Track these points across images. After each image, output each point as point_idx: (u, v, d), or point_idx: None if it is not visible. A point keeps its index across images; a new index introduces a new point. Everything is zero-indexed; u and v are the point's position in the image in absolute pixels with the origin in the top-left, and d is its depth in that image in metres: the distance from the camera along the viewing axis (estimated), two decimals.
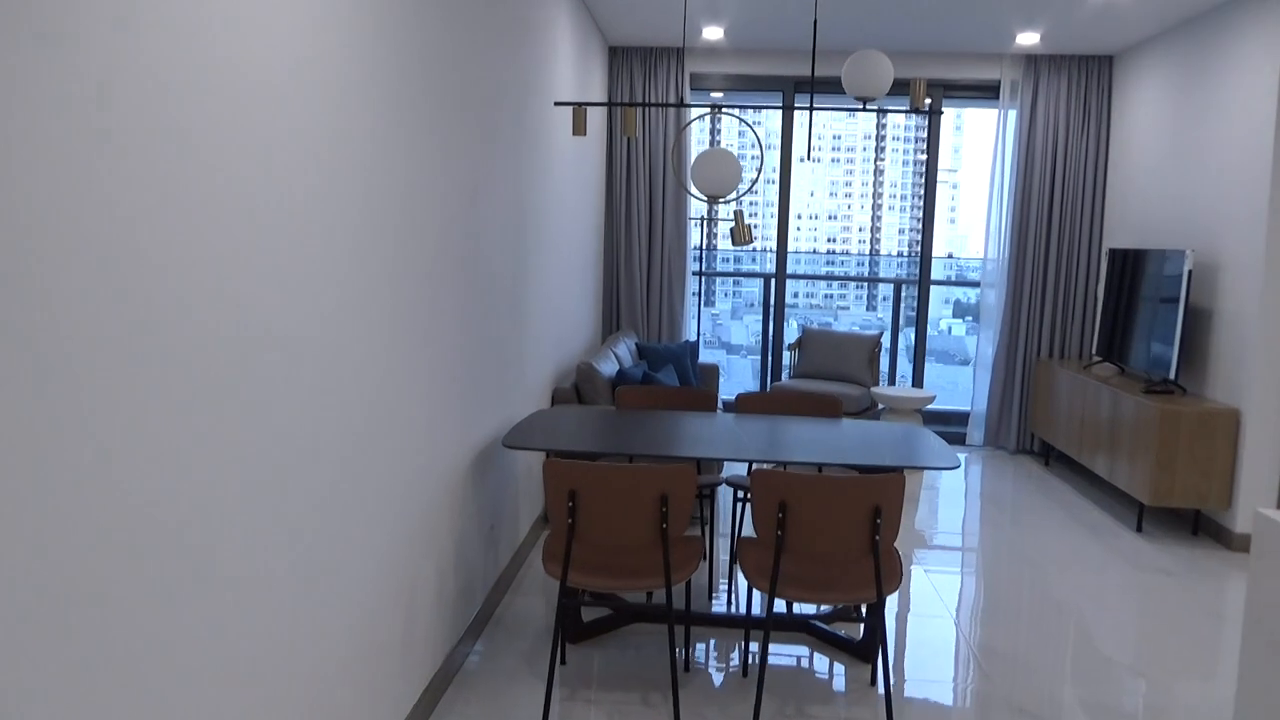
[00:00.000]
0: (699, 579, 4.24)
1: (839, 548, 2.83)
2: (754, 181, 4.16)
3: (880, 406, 6.62)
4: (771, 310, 7.42)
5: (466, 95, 3.20)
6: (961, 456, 6.84)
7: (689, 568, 2.97)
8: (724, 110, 4.03)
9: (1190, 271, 5.06)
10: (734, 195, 3.98)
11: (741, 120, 4.10)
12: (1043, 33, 6.08)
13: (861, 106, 4.05)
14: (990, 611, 4.02)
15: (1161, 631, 3.86)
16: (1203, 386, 5.30)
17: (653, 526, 2.85)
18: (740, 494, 4.36)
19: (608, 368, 4.99)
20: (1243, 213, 4.98)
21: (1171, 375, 5.15)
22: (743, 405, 4.18)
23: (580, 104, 3.86)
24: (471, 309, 3.36)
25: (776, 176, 7.20)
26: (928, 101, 7.01)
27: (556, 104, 3.96)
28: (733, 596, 4.08)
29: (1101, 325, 6.21)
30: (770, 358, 7.48)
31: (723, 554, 4.61)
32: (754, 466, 3.93)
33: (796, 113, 7.15)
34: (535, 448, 3.22)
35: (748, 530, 4.74)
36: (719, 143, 8.81)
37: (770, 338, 7.45)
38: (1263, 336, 4.79)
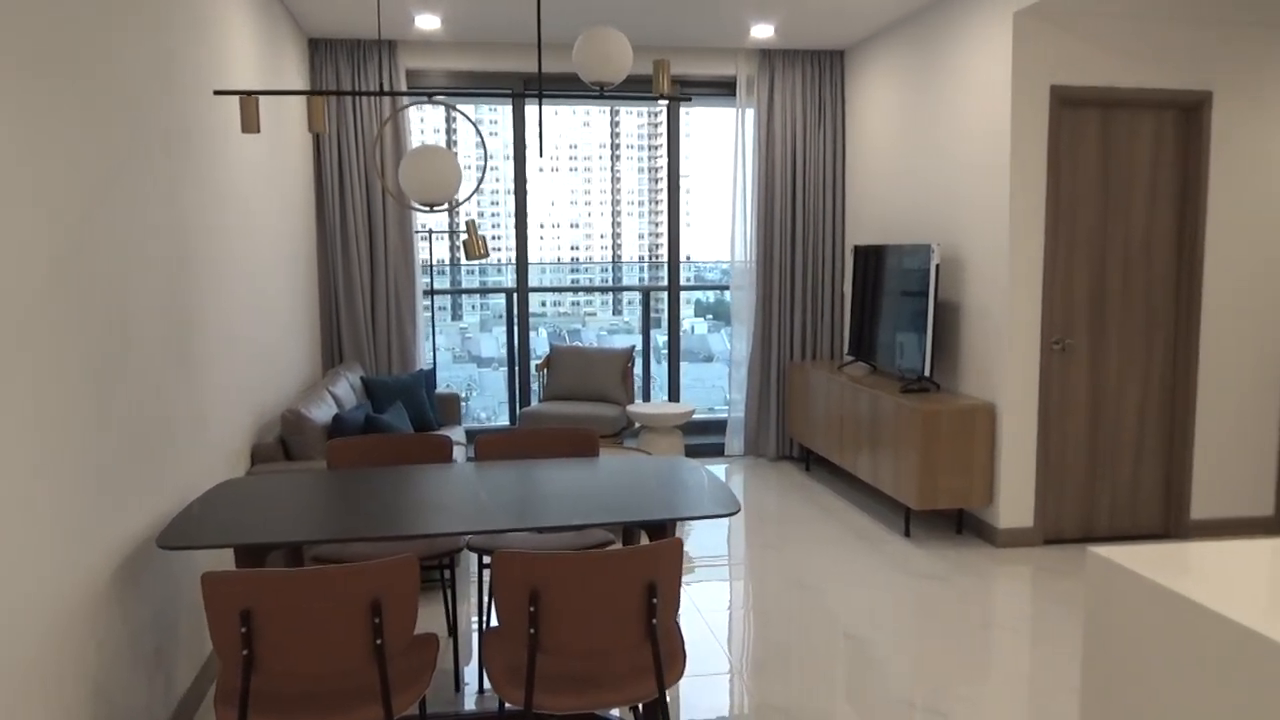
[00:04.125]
0: (442, 663, 3.55)
1: (608, 640, 2.25)
2: (479, 183, 3.52)
3: (638, 425, 6.18)
4: (515, 326, 6.80)
5: (76, 90, 2.34)
6: (723, 468, 6.54)
7: (418, 685, 2.29)
8: (435, 101, 3.36)
9: (937, 266, 4.95)
10: (455, 201, 3.32)
11: (459, 112, 3.45)
12: (777, 26, 5.87)
13: (599, 92, 3.51)
14: (770, 655, 3.61)
15: (941, 646, 3.61)
16: (956, 382, 5.24)
17: (363, 643, 2.15)
18: (486, 559, 3.71)
19: (322, 413, 4.18)
20: (984, 205, 4.93)
21: (926, 372, 5.03)
22: (485, 450, 3.53)
23: (246, 93, 3.06)
24: (103, 366, 2.49)
25: (513, 185, 6.59)
26: (681, 102, 6.66)
27: (216, 93, 3.15)
28: (487, 684, 3.42)
29: (852, 324, 6.09)
30: (517, 377, 6.86)
31: (475, 625, 3.94)
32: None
33: (530, 117, 6.57)
34: (201, 546, 2.41)
35: None
36: (485, 155, 8.04)
37: (516, 355, 6.83)
38: (1010, 329, 4.74)
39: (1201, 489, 4.96)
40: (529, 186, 6.61)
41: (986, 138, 4.87)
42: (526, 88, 6.48)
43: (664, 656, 2.38)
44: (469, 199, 3.43)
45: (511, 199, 6.60)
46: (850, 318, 6.12)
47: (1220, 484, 4.98)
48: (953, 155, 5.22)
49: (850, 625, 3.89)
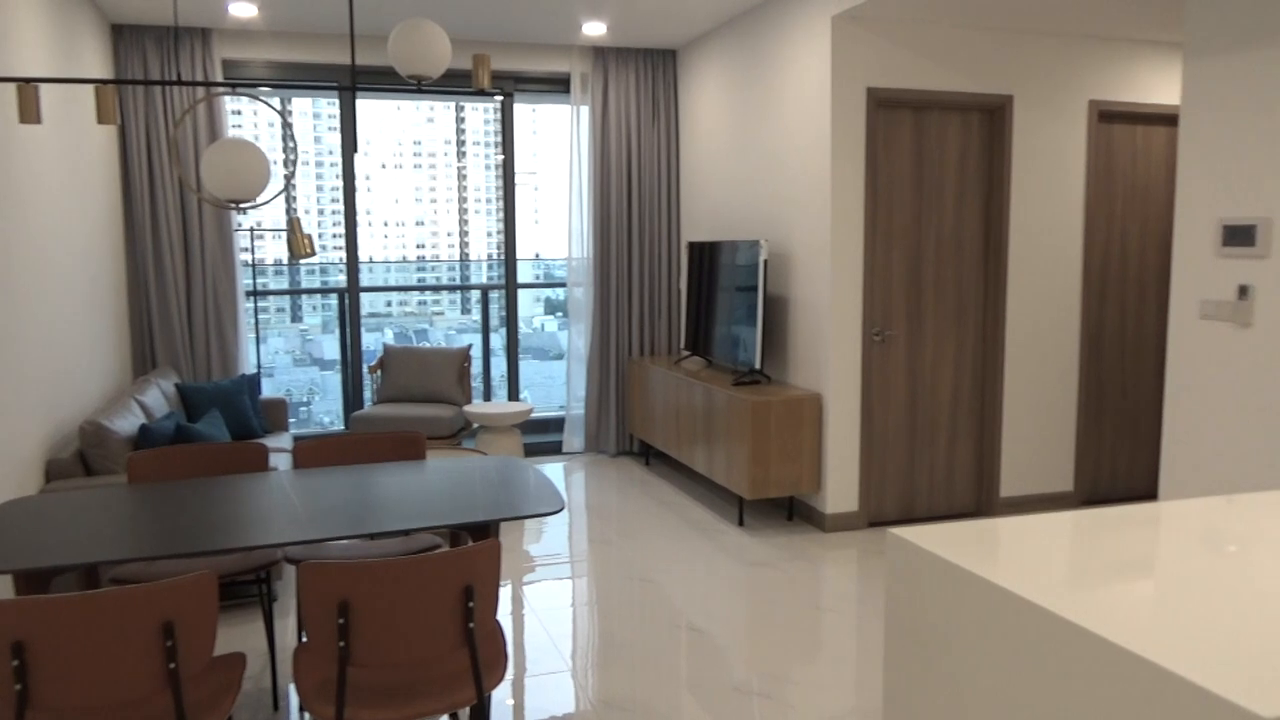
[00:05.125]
0: (261, 682, 3.39)
1: (424, 648, 2.19)
2: (289, 180, 3.37)
3: (476, 426, 6.08)
4: (348, 327, 6.58)
5: None
6: (562, 466, 6.53)
7: (220, 708, 2.17)
8: (240, 92, 3.20)
9: (765, 261, 5.09)
10: (263, 199, 3.17)
11: (265, 103, 3.30)
12: (609, 24, 5.89)
13: (416, 86, 3.42)
14: (609, 649, 3.63)
15: (775, 631, 3.72)
16: (786, 374, 5.39)
17: (155, 669, 2.01)
18: None
19: (127, 423, 3.92)
20: (808, 201, 5.09)
21: (757, 365, 5.16)
22: (304, 457, 3.39)
23: (23, 80, 2.82)
24: None
25: (341, 182, 6.37)
26: (499, 97, 6.59)
27: None
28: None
29: (688, 319, 6.18)
30: (351, 381, 6.64)
31: (298, 640, 3.78)
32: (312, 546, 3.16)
33: (364, 112, 6.36)
34: None
35: None
36: (294, 149, 7.69)
37: (350, 358, 6.60)
38: (834, 321, 4.92)
39: (1010, 469, 5.29)
40: (371, 184, 6.41)
41: (809, 137, 5.04)
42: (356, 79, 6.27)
43: (484, 661, 2.34)
44: (279, 195, 3.27)
45: (358, 197, 6.38)
46: (686, 313, 6.22)
47: (1026, 464, 5.32)
48: (779, 153, 5.37)
49: (689, 616, 3.95)
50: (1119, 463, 5.55)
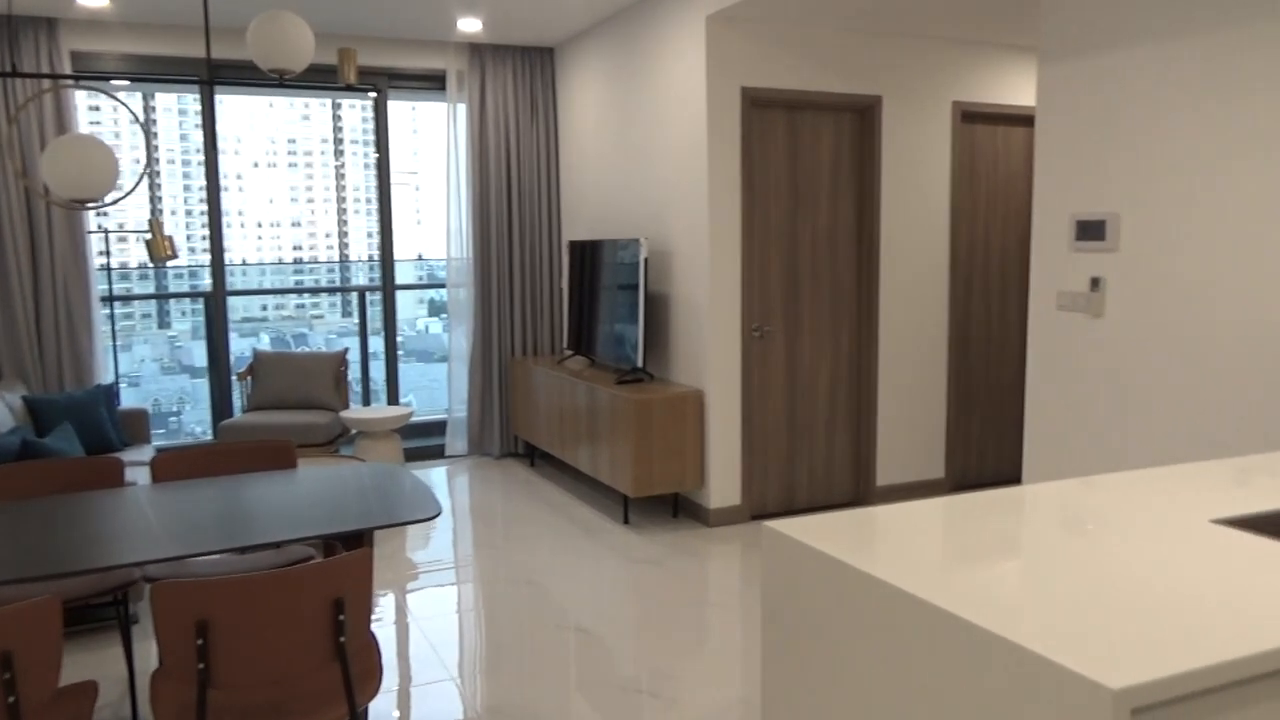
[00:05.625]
0: (120, 710, 3.20)
1: (291, 665, 2.09)
2: (141, 178, 3.19)
3: (354, 432, 5.91)
4: (214, 332, 6.29)
5: None
6: (444, 470, 6.41)
7: None
8: (82, 86, 3.00)
9: (646, 260, 5.10)
10: (111, 198, 2.99)
11: (111, 96, 3.11)
12: (484, 20, 5.79)
13: (278, 80, 3.29)
14: (496, 655, 3.56)
15: (662, 628, 3.72)
16: (668, 371, 5.42)
17: None
18: None
19: None
20: (686, 200, 5.12)
21: (639, 363, 5.16)
22: (164, 470, 3.21)
23: None
24: None
25: (204, 180, 6.09)
26: (372, 94, 6.41)
27: None
28: None
29: (570, 318, 6.15)
30: (218, 389, 6.35)
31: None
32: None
33: (232, 108, 6.09)
34: None
35: None
36: (156, 149, 7.31)
37: (218, 365, 6.32)
38: (714, 318, 4.96)
39: (885, 458, 5.45)
40: (243, 183, 6.16)
41: (686, 135, 5.07)
42: (217, 75, 6.01)
43: (356, 675, 2.25)
44: (127, 195, 3.09)
45: (222, 196, 6.09)
46: (568, 312, 6.18)
47: (901, 453, 5.49)
48: (657, 152, 5.39)
49: (576, 617, 3.92)
50: (986, 449, 5.78)
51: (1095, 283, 3.85)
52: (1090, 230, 3.84)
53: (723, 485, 5.07)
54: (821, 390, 5.31)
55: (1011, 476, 5.84)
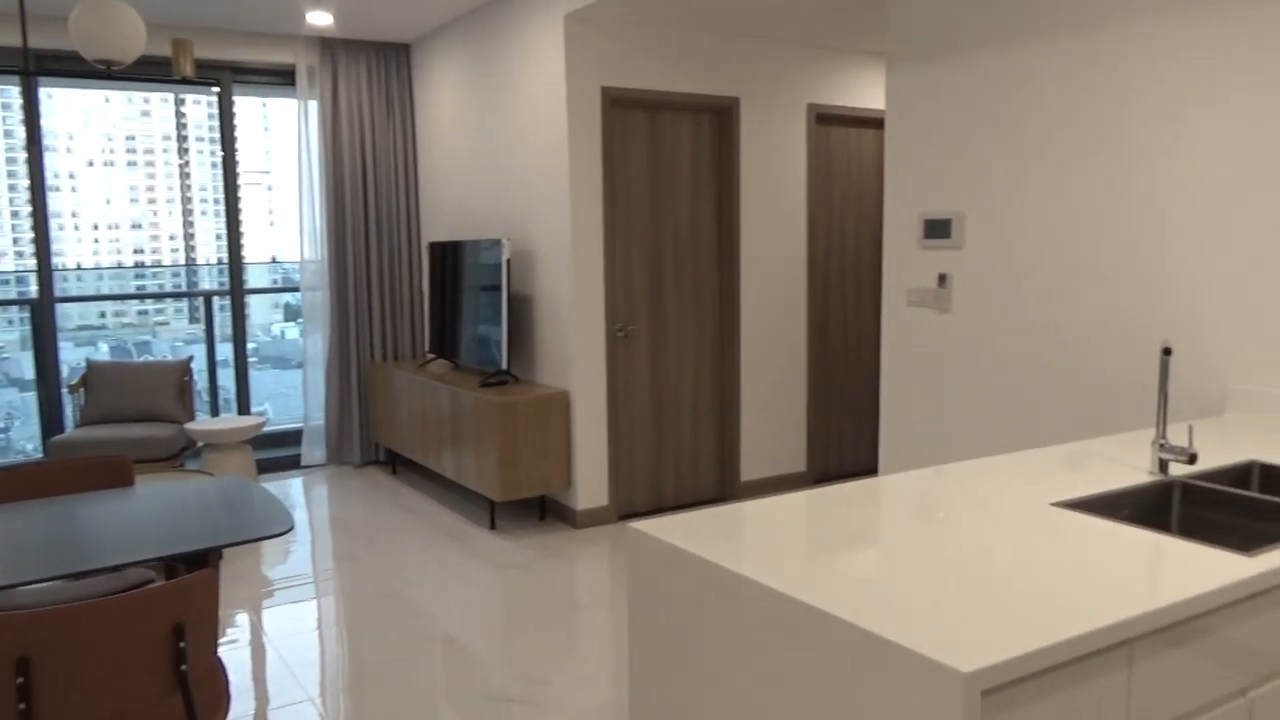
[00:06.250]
0: None
1: (127, 699, 1.95)
2: None
3: (201, 445, 5.61)
4: (43, 343, 5.85)
5: None
6: (300, 481, 6.16)
7: None
8: None
9: (508, 260, 5.02)
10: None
11: None
12: (335, 13, 5.59)
13: (105, 71, 3.07)
14: (358, 671, 3.43)
15: (532, 634, 3.67)
16: (534, 373, 5.36)
17: None
18: None
19: None
20: (548, 200, 5.08)
21: (504, 365, 5.09)
22: None
23: None
24: None
25: (28, 179, 5.65)
26: (214, 89, 6.10)
27: None
28: None
29: (431, 321, 6.01)
30: (46, 402, 5.92)
31: None
32: None
33: (61, 101, 5.67)
34: None
35: None
36: None
37: (47, 377, 5.88)
38: (578, 319, 4.94)
39: (749, 454, 5.54)
40: (76, 183, 5.75)
41: (546, 135, 5.02)
42: (39, 65, 5.60)
43: (201, 704, 2.12)
44: None
45: (52, 197, 5.66)
46: (430, 315, 6.04)
47: (764, 448, 5.60)
48: (518, 151, 5.33)
49: (443, 627, 3.82)
50: (845, 441, 5.96)
51: (942, 279, 4.01)
52: (937, 229, 4.00)
53: (590, 486, 5.05)
54: (686, 388, 5.36)
55: (870, 467, 6.04)
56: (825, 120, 5.69)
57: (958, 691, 1.30)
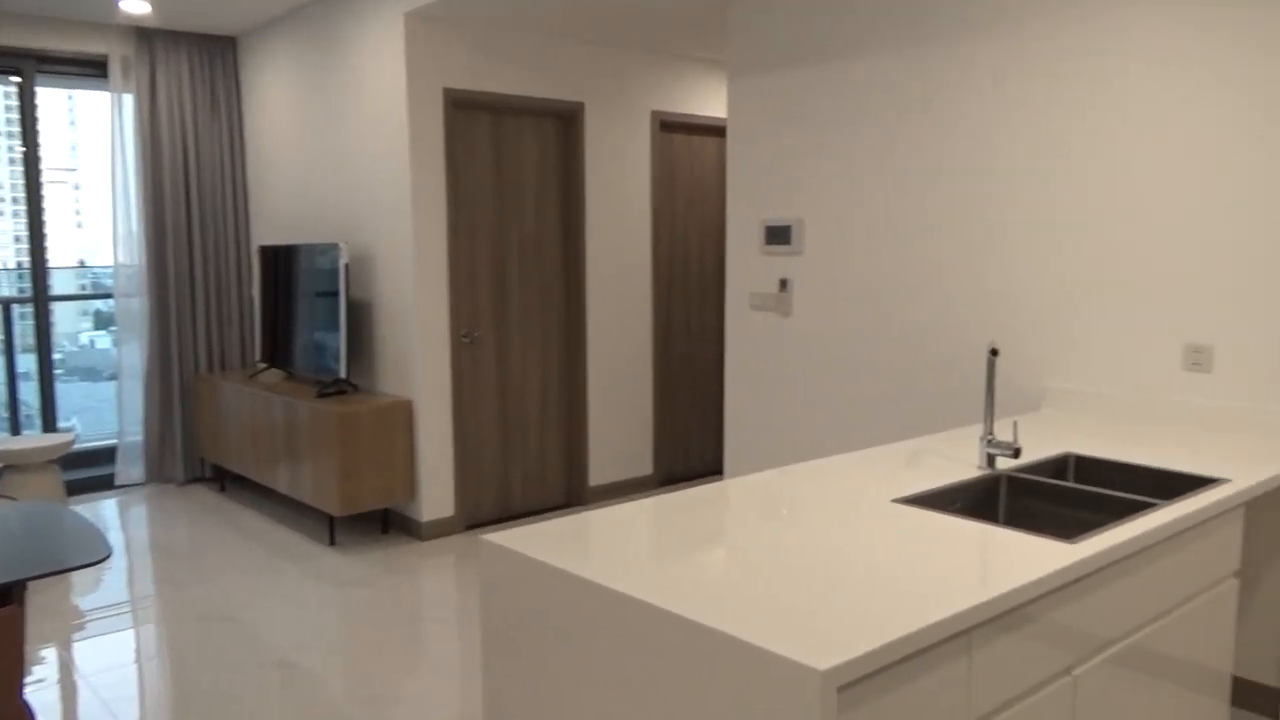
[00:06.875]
0: None
1: None
2: None
3: (1, 466, 5.12)
4: None
5: None
6: (115, 501, 5.73)
7: None
8: None
9: (347, 265, 4.83)
10: None
11: None
12: (153, 1, 5.23)
13: None
14: (184, 705, 3.20)
15: (375, 652, 3.53)
16: (374, 381, 5.17)
17: None
18: None
19: None
20: (389, 203, 4.92)
21: (342, 374, 4.89)
22: None
23: None
24: None
25: None
26: (14, 79, 5.60)
27: None
28: None
29: (263, 329, 5.71)
30: None
31: None
32: None
33: None
34: None
35: None
36: None
37: None
38: (421, 325, 4.80)
39: (597, 459, 5.53)
40: None
41: (387, 136, 4.87)
42: None
43: None
44: None
45: None
46: (261, 322, 5.74)
47: (612, 453, 5.60)
48: (357, 153, 5.14)
49: (280, 651, 3.61)
50: (691, 444, 6.04)
51: (784, 284, 4.12)
52: (778, 235, 4.11)
53: (435, 496, 4.92)
54: (533, 394, 5.30)
55: (716, 468, 6.15)
56: (669, 127, 5.76)
57: (814, 689, 1.31)
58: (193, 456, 6.14)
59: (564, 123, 5.33)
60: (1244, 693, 2.97)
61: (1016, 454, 2.37)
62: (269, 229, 6.09)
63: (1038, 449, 2.70)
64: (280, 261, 5.45)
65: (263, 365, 5.82)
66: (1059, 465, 2.63)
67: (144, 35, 5.81)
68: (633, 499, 5.53)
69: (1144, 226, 3.06)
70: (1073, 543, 1.87)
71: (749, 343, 4.31)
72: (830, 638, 1.41)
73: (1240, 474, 2.40)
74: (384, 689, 3.31)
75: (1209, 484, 2.32)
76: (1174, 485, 2.41)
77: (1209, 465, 2.49)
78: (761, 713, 1.39)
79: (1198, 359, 2.96)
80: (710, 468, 6.14)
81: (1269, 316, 2.82)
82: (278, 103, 5.82)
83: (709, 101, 5.92)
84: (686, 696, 1.51)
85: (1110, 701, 1.99)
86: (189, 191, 6.02)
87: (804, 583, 1.66)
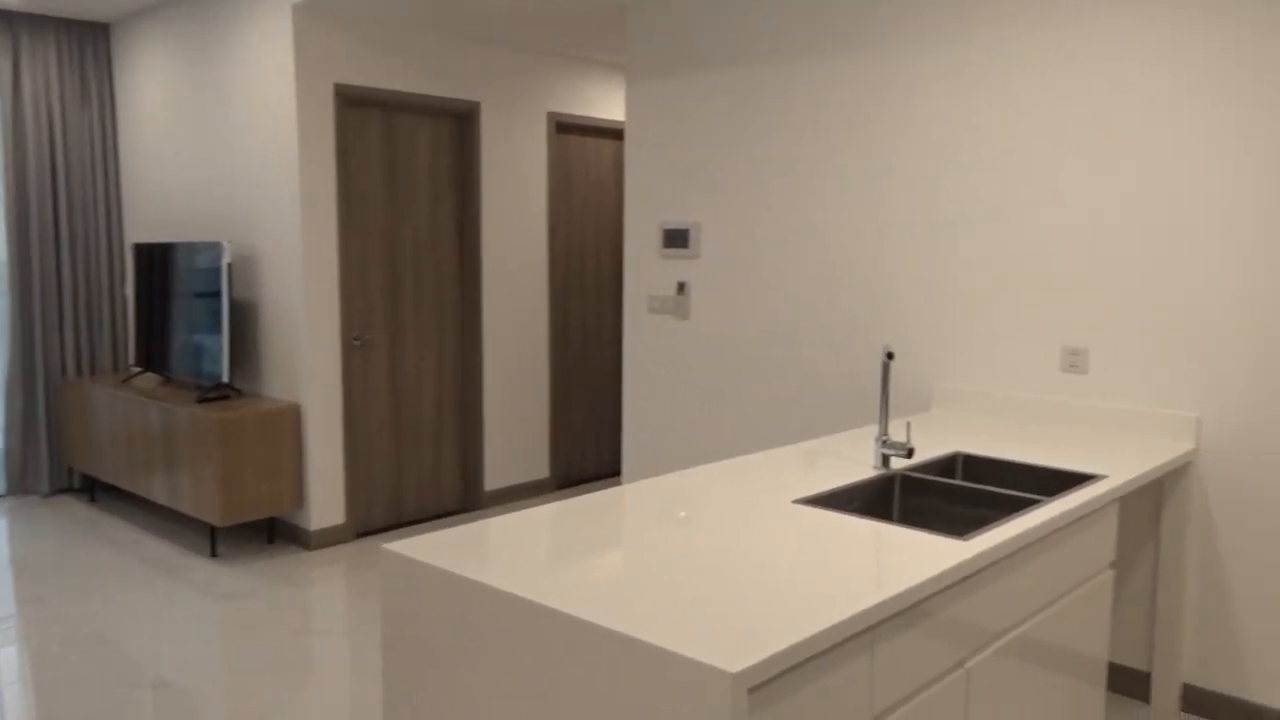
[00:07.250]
0: None
1: None
2: None
3: None
4: None
5: None
6: None
7: None
8: None
9: (229, 265, 4.63)
10: None
11: None
12: None
13: None
14: None
15: (260, 667, 3.38)
16: (259, 385, 4.98)
17: None
18: None
19: None
20: (275, 201, 4.74)
21: (225, 378, 4.69)
22: None
23: None
24: None
25: None
26: None
27: None
28: None
29: (138, 332, 5.43)
30: None
31: None
32: None
33: None
34: None
35: None
36: None
37: None
38: (309, 327, 4.64)
39: (492, 463, 5.46)
40: None
41: (273, 132, 4.69)
42: None
43: None
44: None
45: None
46: (135, 324, 5.45)
47: (507, 456, 5.53)
48: (241, 148, 4.94)
49: (155, 671, 3.42)
50: (587, 447, 6.02)
51: (681, 287, 4.14)
52: (676, 238, 4.13)
53: (324, 504, 4.76)
54: (427, 398, 5.19)
55: (613, 470, 6.14)
56: (565, 129, 5.73)
57: (725, 691, 1.31)
58: (59, 466, 5.79)
59: (459, 122, 5.24)
60: (1118, 678, 3.13)
61: (910, 454, 2.43)
62: (145, 226, 5.80)
63: (929, 448, 2.78)
64: (157, 260, 5.19)
65: (137, 369, 5.53)
66: (949, 464, 2.71)
67: (7, 19, 5.46)
68: (530, 503, 5.48)
69: (1025, 232, 3.19)
70: (965, 539, 1.93)
71: (647, 345, 4.32)
72: (738, 640, 1.41)
73: (1116, 470, 2.52)
74: (271, 705, 3.17)
75: (1088, 480, 2.43)
76: (1056, 482, 2.52)
77: (1087, 462, 2.61)
78: (671, 717, 1.38)
79: (1075, 360, 3.10)
80: (607, 470, 6.13)
81: (1140, 320, 2.98)
82: (154, 94, 5.55)
83: (607, 104, 5.91)
84: (595, 703, 1.48)
85: (1000, 691, 2.06)
86: (56, 186, 5.68)
87: (709, 585, 1.65)
